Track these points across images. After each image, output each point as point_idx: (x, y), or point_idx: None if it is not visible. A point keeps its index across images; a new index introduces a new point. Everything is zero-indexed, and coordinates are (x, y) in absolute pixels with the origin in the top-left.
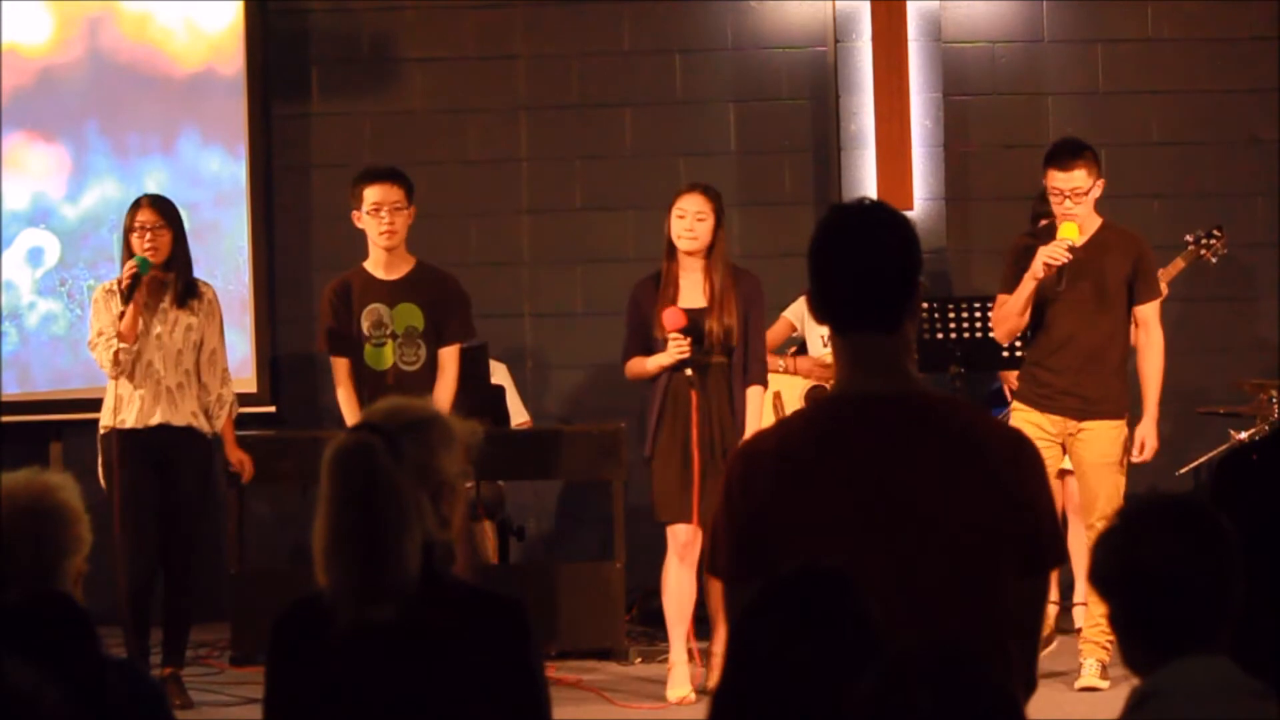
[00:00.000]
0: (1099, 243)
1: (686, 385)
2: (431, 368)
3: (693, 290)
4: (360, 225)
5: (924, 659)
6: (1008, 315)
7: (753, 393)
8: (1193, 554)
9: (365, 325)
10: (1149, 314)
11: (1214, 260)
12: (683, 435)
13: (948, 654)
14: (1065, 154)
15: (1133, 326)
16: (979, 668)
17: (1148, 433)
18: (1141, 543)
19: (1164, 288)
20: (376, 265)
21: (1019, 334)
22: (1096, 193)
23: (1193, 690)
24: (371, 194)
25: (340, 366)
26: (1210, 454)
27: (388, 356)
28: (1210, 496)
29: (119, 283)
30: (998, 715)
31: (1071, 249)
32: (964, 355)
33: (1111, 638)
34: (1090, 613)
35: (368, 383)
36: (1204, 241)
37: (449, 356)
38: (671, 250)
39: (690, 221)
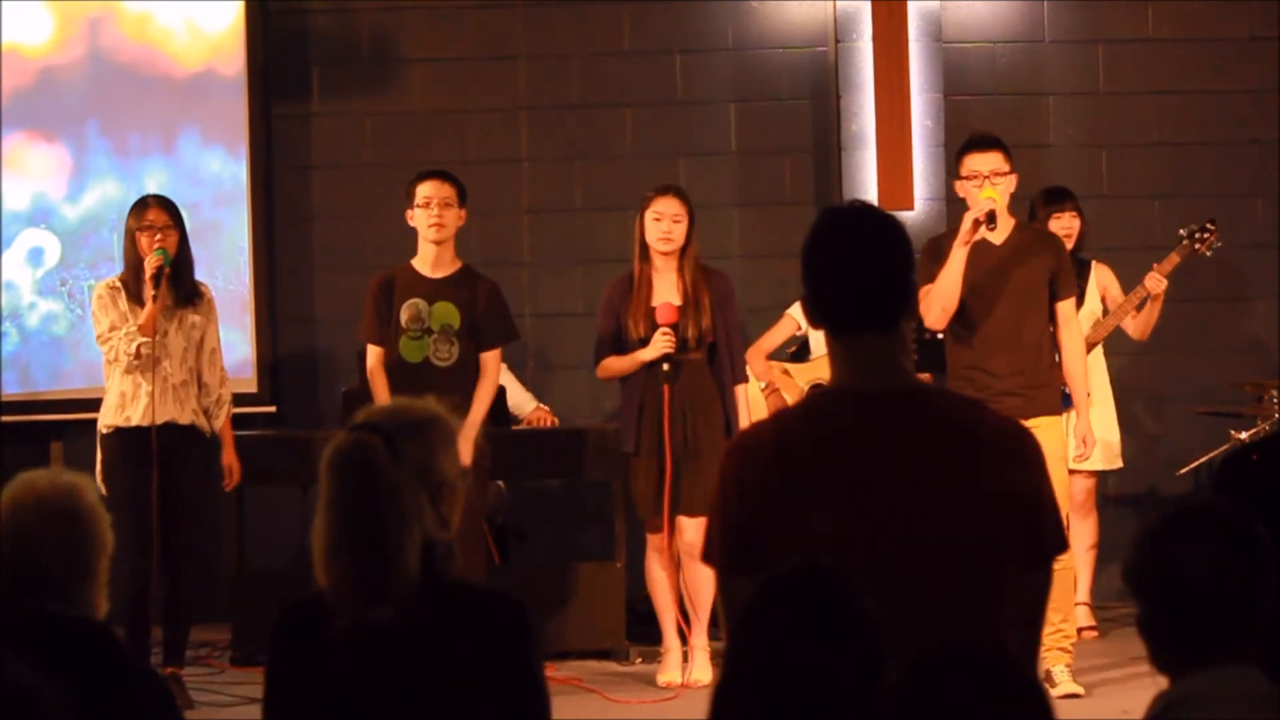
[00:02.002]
0: (1017, 242)
1: (660, 380)
2: (463, 365)
3: (667, 290)
4: (412, 223)
5: (956, 655)
6: (941, 292)
7: (739, 391)
8: (1230, 562)
9: (404, 318)
10: (1068, 310)
11: (1208, 254)
12: (658, 431)
13: (980, 650)
14: (981, 140)
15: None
16: (1012, 664)
17: (1086, 430)
18: (1179, 547)
19: (1164, 280)
20: (423, 262)
21: (951, 315)
22: (1011, 186)
23: (1219, 699)
24: (424, 189)
25: (374, 354)
26: (1210, 454)
27: (421, 350)
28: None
29: (147, 275)
30: (1030, 711)
31: (993, 212)
32: None
33: (1073, 638)
34: (1050, 619)
35: (399, 373)
36: (1198, 235)
37: (490, 360)
38: (644, 251)
39: (668, 224)
